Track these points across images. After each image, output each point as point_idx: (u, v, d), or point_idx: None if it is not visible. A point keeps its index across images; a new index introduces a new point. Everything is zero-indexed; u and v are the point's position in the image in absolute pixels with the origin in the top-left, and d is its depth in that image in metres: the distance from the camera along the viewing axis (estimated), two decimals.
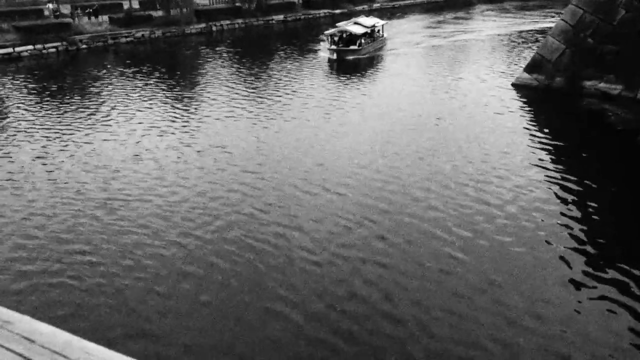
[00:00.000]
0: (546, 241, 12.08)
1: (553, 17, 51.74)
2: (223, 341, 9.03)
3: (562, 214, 13.54)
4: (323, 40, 37.81)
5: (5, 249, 12.33)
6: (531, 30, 46.34)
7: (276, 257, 11.64)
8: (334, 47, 36.18)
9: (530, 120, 21.90)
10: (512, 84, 27.05)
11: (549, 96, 25.09)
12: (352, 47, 36.14)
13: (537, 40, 39.36)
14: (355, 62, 34.94)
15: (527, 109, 23.55)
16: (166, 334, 9.19)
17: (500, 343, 8.83)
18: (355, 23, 38.41)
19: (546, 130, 20.60)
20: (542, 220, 13.06)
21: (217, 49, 43.52)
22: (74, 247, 12.26)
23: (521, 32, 45.99)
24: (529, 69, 26.86)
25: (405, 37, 45.13)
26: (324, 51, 37.74)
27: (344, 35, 36.89)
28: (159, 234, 12.77)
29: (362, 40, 36.81)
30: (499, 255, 11.53)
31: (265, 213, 13.74)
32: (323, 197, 14.62)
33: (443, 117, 21.96)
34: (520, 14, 60.28)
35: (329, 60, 35.61)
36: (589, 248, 11.92)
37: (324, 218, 13.32)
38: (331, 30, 37.73)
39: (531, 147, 18.53)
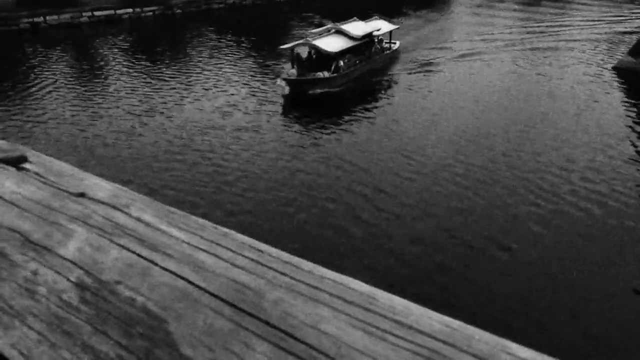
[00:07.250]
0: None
1: None
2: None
3: None
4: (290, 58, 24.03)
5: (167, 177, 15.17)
6: None
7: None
8: (293, 72, 22.55)
9: (633, 106, 20.55)
10: (613, 68, 25.32)
11: None
12: (320, 74, 22.53)
13: None
14: (324, 98, 21.98)
15: (630, 94, 22.08)
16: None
17: None
18: (337, 32, 24.36)
19: None
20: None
21: (303, 16, 43.70)
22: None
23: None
24: (634, 52, 24.99)
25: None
26: (280, 79, 22.64)
27: (322, 52, 22.94)
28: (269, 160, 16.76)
29: (342, 63, 23.17)
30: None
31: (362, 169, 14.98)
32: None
33: (540, 97, 21.53)
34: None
35: (283, 95, 21.83)
36: None
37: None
38: (292, 44, 23.87)
39: (634, 133, 17.71)
